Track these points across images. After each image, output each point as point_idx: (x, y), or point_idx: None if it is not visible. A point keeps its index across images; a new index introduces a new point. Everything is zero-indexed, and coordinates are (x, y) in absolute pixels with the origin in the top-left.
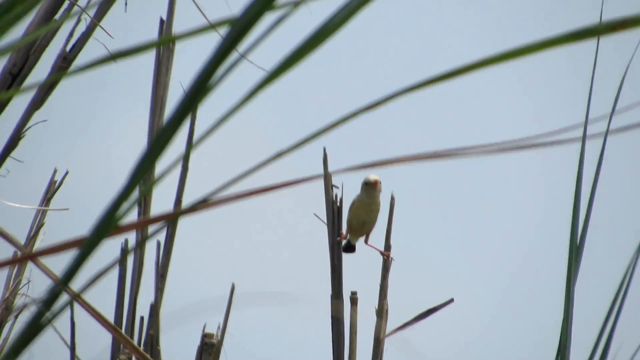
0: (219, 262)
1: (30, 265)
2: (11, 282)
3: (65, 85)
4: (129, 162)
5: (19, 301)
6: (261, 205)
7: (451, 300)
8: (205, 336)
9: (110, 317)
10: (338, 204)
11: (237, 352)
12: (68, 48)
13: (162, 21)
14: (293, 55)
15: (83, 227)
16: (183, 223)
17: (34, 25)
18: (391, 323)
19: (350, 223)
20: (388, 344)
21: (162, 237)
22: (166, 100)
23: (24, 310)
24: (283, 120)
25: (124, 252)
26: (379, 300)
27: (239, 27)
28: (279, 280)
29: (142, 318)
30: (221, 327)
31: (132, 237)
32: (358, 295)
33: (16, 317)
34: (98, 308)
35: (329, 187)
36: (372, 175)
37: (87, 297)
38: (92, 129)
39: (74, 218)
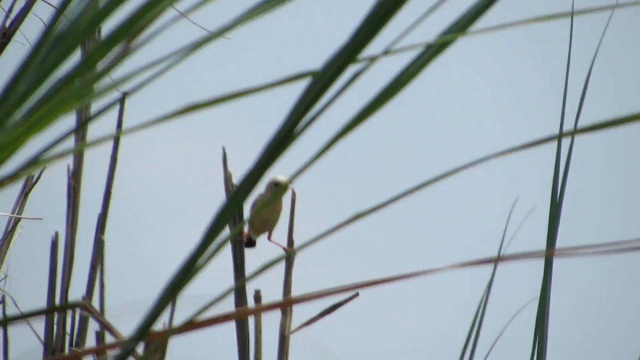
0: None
1: (7, 260)
2: None
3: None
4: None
5: None
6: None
7: (356, 295)
8: None
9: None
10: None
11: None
12: (7, 24)
13: None
14: (370, 105)
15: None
16: None
17: None
18: (296, 320)
19: (253, 221)
20: (294, 341)
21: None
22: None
23: (0, 305)
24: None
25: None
26: (283, 296)
27: (322, 80)
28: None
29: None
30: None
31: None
32: (262, 293)
33: None
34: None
35: (229, 186)
36: (281, 176)
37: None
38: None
39: (50, 214)
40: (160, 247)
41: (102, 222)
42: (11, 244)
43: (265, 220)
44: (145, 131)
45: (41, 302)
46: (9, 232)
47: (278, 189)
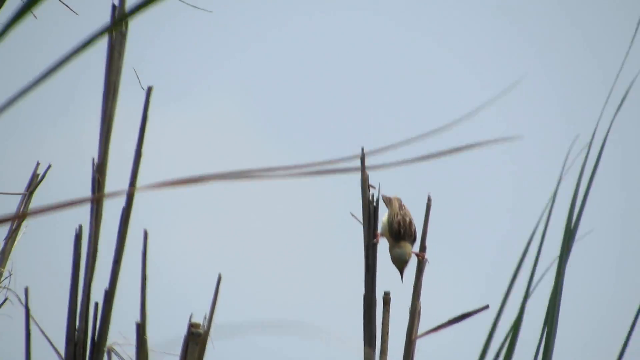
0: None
1: (12, 258)
2: None
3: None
4: (84, 149)
5: (0, 295)
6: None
7: (486, 307)
8: (191, 326)
9: (65, 302)
10: (374, 204)
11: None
12: None
13: (114, 6)
14: None
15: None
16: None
17: None
18: (423, 325)
19: (385, 234)
20: (420, 346)
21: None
22: (119, 85)
23: (5, 303)
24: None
25: (78, 237)
26: (412, 300)
27: None
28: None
29: (96, 304)
30: (207, 317)
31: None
32: (391, 295)
33: None
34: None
35: (365, 187)
36: (394, 197)
37: (41, 282)
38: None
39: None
40: (187, 241)
41: (126, 216)
42: (16, 242)
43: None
44: (170, 127)
45: (48, 301)
46: (14, 231)
47: (390, 203)
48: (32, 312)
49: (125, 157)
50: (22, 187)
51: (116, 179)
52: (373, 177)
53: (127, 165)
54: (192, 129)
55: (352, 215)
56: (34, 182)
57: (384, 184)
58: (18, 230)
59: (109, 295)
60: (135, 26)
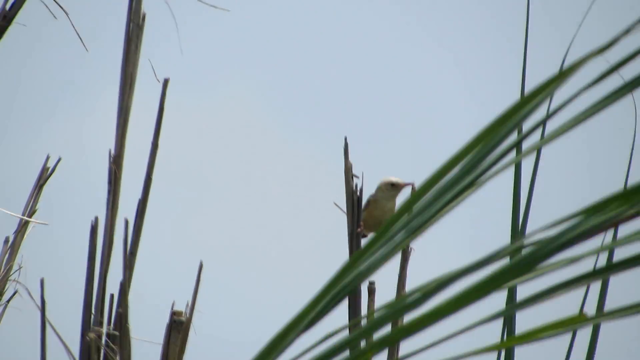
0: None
1: (21, 251)
2: (2, 268)
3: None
4: (99, 140)
5: (10, 288)
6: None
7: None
8: (174, 314)
9: (81, 294)
10: (358, 193)
11: (207, 329)
12: (7, 6)
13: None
14: None
15: (71, 212)
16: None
17: None
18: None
19: (366, 222)
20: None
21: (131, 214)
22: (135, 77)
23: (14, 296)
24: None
25: (94, 228)
26: (397, 290)
27: None
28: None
29: (112, 296)
30: (189, 304)
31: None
32: (376, 285)
33: (7, 303)
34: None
35: (349, 177)
36: (394, 177)
37: (57, 273)
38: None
39: (65, 202)
40: (202, 232)
41: (142, 208)
42: (25, 236)
43: (379, 221)
44: (185, 114)
45: (57, 295)
46: (23, 224)
47: (394, 190)
48: (38, 305)
49: (142, 149)
50: (31, 181)
51: (133, 171)
52: (356, 167)
53: (144, 157)
54: (208, 120)
55: (336, 205)
56: (44, 176)
57: (367, 174)
58: (28, 224)
59: (124, 287)
60: (153, 18)
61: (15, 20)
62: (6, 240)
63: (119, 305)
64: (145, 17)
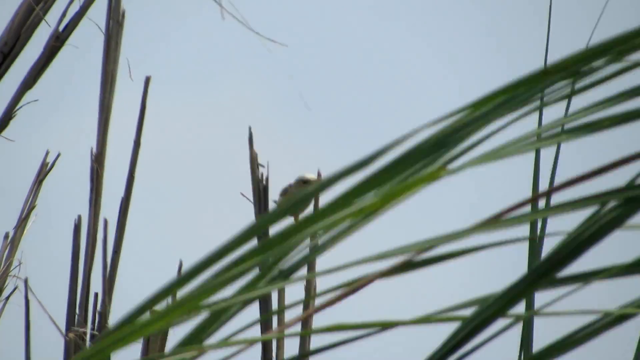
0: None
1: (21, 247)
2: (2, 264)
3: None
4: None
5: (10, 283)
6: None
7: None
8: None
9: (65, 293)
10: (264, 182)
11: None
12: (61, 28)
13: None
14: None
15: (73, 210)
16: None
17: (25, 4)
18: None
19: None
20: (316, 322)
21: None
22: (116, 75)
23: (15, 292)
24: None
25: (77, 227)
26: (307, 276)
27: None
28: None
29: (96, 294)
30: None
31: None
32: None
33: (7, 299)
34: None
35: (255, 166)
36: (310, 174)
37: (42, 273)
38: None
39: (65, 201)
40: (183, 231)
41: (124, 207)
42: (25, 231)
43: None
44: (167, 111)
45: (57, 289)
46: (23, 220)
47: (306, 186)
48: (40, 301)
49: (124, 146)
50: (30, 177)
51: (115, 169)
52: (261, 156)
53: (126, 155)
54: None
55: (243, 195)
56: (43, 171)
57: (272, 163)
58: (27, 219)
59: (109, 285)
60: (138, 16)
61: (67, 41)
62: (6, 236)
63: (102, 305)
64: (124, 14)
